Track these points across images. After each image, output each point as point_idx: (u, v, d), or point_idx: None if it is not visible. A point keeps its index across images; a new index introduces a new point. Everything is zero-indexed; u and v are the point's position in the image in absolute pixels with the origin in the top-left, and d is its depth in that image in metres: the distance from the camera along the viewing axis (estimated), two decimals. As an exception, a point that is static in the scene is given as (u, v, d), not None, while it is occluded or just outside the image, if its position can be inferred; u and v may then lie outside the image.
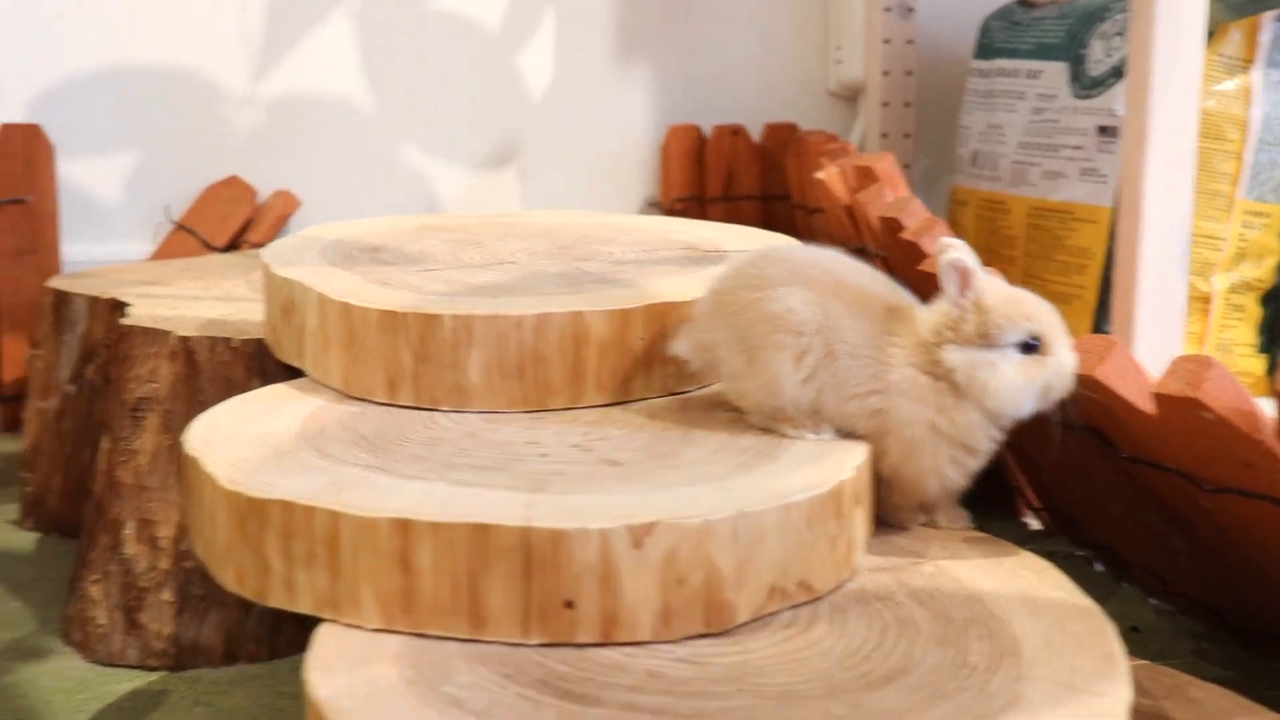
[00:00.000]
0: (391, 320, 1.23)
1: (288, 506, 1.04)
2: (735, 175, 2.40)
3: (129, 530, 1.44)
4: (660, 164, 2.41)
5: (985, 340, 1.18)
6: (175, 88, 2.26)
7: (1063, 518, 1.66)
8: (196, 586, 1.42)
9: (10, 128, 2.16)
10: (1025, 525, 1.74)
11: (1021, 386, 1.18)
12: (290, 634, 1.46)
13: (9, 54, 2.18)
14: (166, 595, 1.42)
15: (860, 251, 1.87)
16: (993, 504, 1.79)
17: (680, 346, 1.25)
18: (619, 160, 2.42)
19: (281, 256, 1.41)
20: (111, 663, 1.43)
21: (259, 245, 2.29)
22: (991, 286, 1.20)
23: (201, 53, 2.26)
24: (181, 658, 1.43)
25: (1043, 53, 2.03)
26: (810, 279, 1.19)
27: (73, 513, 1.76)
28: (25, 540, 1.78)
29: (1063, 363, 1.18)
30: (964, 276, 1.17)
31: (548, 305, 1.24)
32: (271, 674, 1.42)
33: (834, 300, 1.18)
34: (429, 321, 1.22)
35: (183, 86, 2.26)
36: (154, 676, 1.40)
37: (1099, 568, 1.60)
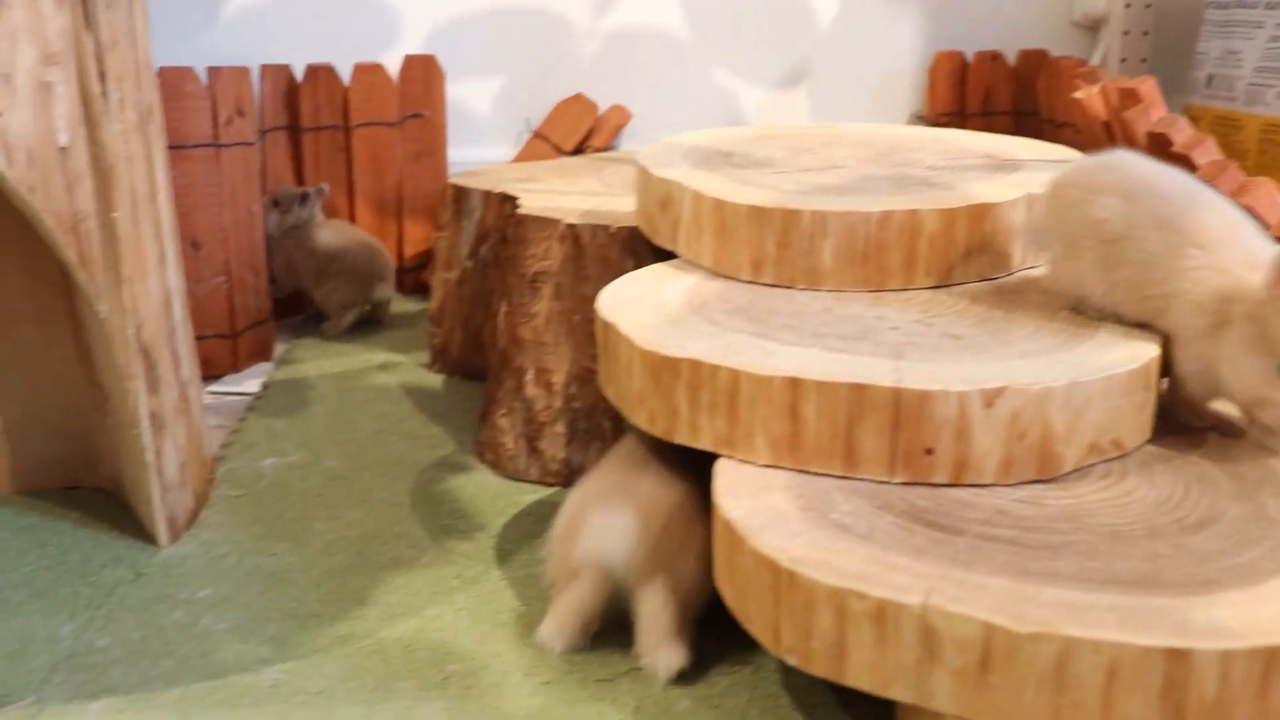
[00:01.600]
0: (759, 214, 1.20)
1: (695, 364, 1.03)
2: (992, 94, 2.29)
3: (529, 376, 1.47)
4: (928, 84, 2.31)
5: (1270, 352, 0.97)
6: (534, 23, 2.25)
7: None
8: (581, 422, 1.44)
9: (412, 58, 2.19)
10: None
11: (1265, 402, 0.99)
12: (654, 462, 1.47)
13: (412, 1, 2.20)
14: (559, 428, 1.45)
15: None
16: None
17: (1022, 227, 1.18)
18: (892, 80, 2.34)
19: (654, 160, 1.39)
20: (517, 478, 1.47)
21: (600, 150, 2.28)
22: None
23: (555, -6, 2.25)
24: (571, 477, 1.45)
25: (1281, -14, 1.86)
26: (1130, 191, 1.10)
27: (469, 360, 1.81)
28: (434, 380, 1.83)
29: None
30: None
31: (888, 204, 1.19)
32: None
33: (1144, 212, 1.09)
34: (790, 215, 1.19)
35: (540, 22, 2.26)
36: (551, 490, 1.44)
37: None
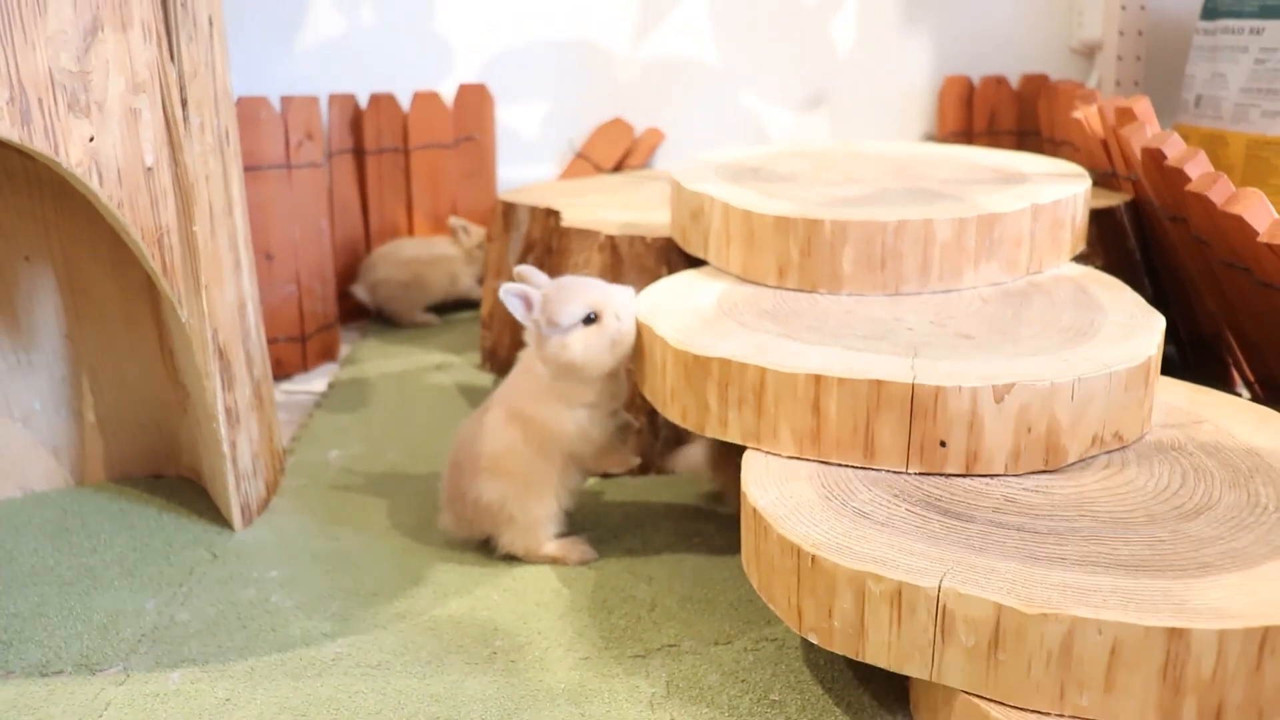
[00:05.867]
0: (784, 224, 1.18)
1: (725, 363, 1.01)
2: (997, 115, 2.25)
3: (572, 375, 1.45)
4: (938, 106, 2.28)
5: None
6: (577, 54, 2.24)
7: (1275, 389, 1.51)
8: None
9: (466, 87, 2.19)
10: (1239, 396, 1.60)
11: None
12: (686, 454, 1.45)
13: (464, 34, 2.19)
14: (599, 423, 1.43)
15: (1111, 177, 1.73)
16: (1209, 376, 1.66)
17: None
18: (905, 103, 2.31)
19: (687, 175, 1.38)
20: (561, 469, 1.45)
21: (637, 168, 2.27)
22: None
23: (596, 27, 2.23)
24: (610, 468, 1.44)
25: (1266, 13, 1.82)
26: None
27: (515, 361, 1.80)
28: (485, 379, 1.82)
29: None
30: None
31: (905, 214, 1.17)
32: (673, 482, 1.42)
33: None
34: (813, 225, 1.17)
35: (582, 52, 2.24)
36: (591, 481, 1.42)
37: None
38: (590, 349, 1.11)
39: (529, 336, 1.16)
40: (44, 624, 1.11)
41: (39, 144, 1.02)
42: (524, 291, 1.12)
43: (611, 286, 1.14)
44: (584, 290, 1.12)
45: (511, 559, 1.22)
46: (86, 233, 1.36)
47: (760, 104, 2.29)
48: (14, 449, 1.39)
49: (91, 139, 1.06)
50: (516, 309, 1.13)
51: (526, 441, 1.16)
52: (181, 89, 1.17)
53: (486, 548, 1.24)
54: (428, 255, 2.10)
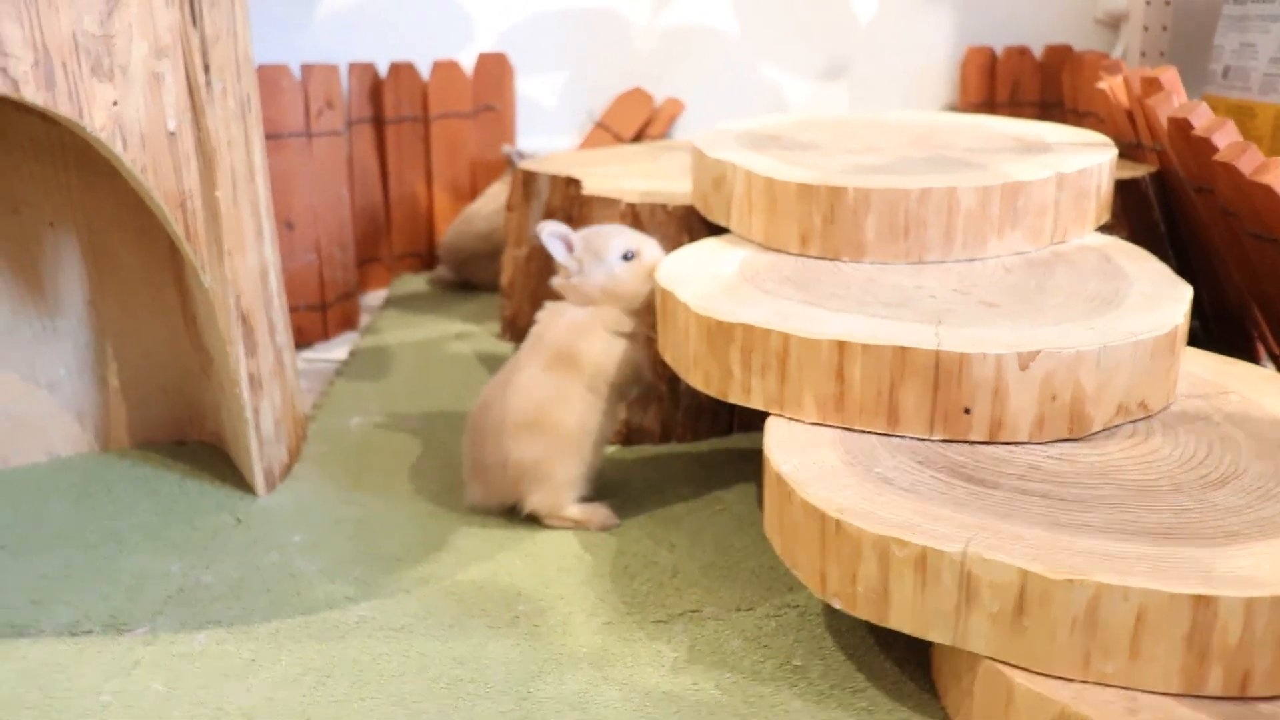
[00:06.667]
0: (806, 191, 1.17)
1: (749, 329, 1.01)
2: (1020, 86, 2.23)
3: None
4: (960, 77, 2.26)
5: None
6: (597, 23, 2.23)
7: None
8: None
9: (485, 56, 2.18)
10: (1263, 367, 1.58)
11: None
12: (706, 424, 1.45)
13: (484, 3, 2.18)
14: (619, 391, 1.43)
15: (1135, 148, 1.71)
16: (1234, 350, 1.64)
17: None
18: (926, 74, 2.29)
19: (709, 143, 1.37)
20: (581, 437, 1.45)
21: (656, 138, 2.26)
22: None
23: (615, -5, 2.23)
24: (631, 437, 1.44)
25: (1297, -18, 1.80)
26: None
27: (537, 330, 1.80)
28: (505, 348, 1.82)
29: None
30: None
31: (928, 182, 1.16)
32: (693, 450, 1.42)
33: None
34: (836, 192, 1.16)
35: (602, 22, 2.23)
36: (611, 448, 1.42)
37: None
38: (635, 277, 1.23)
39: (566, 275, 1.25)
40: (72, 585, 1.12)
41: (63, 108, 1.02)
42: (564, 233, 1.24)
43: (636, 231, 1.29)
44: (622, 231, 1.27)
45: (533, 524, 1.22)
46: (110, 200, 1.36)
47: (780, 74, 2.28)
48: (40, 415, 1.40)
49: (115, 103, 1.06)
50: (558, 250, 1.24)
51: (574, 382, 1.20)
52: (204, 53, 1.16)
53: (508, 514, 1.24)
54: (499, 216, 2.05)
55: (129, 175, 1.10)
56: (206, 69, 1.17)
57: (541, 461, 1.19)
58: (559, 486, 1.20)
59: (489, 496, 1.23)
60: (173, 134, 1.13)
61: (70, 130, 1.29)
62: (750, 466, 1.36)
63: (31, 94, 0.98)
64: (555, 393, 1.19)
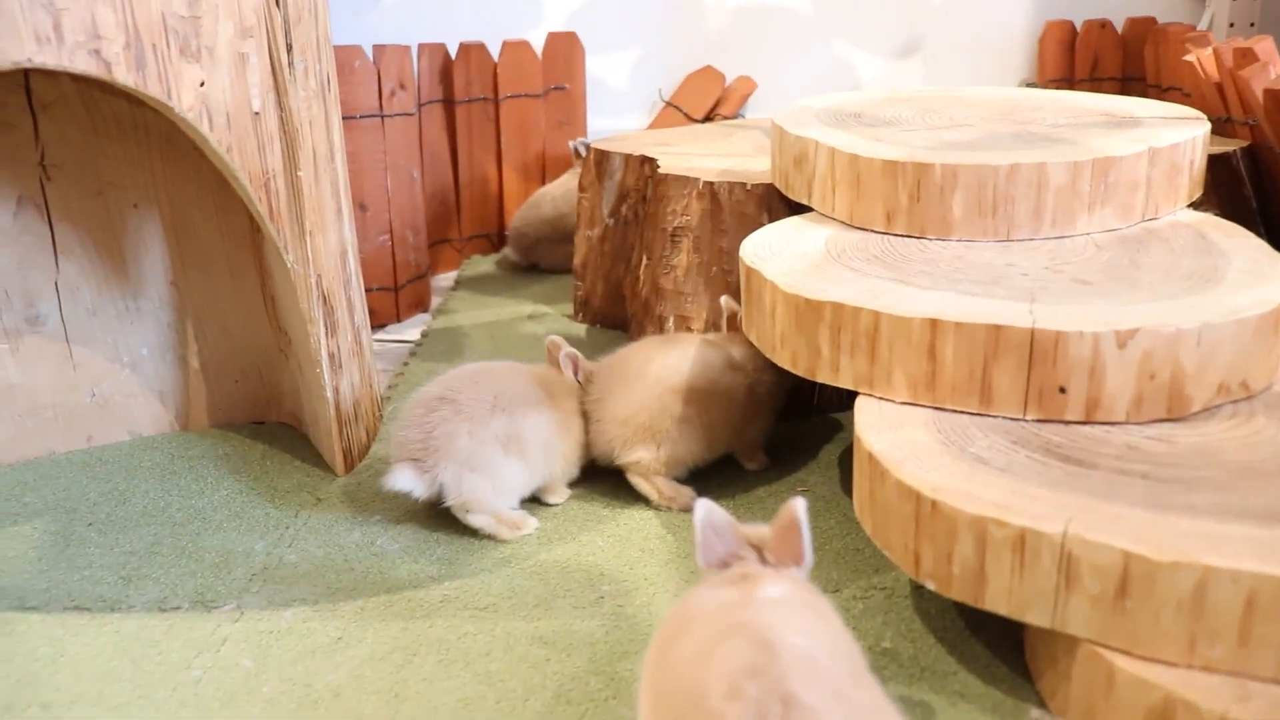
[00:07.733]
0: (892, 168, 1.16)
1: (838, 307, 1.00)
2: (1100, 61, 2.18)
3: (670, 324, 1.45)
4: (1038, 52, 2.22)
5: None
6: (667, 1, 2.22)
7: None
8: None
9: (555, 35, 2.18)
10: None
11: None
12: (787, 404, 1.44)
13: (553, -22, 2.19)
14: (696, 372, 1.43)
15: (1225, 123, 1.67)
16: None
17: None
18: (1002, 49, 2.25)
19: (790, 120, 1.36)
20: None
21: (728, 118, 2.25)
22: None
23: (685, -27, 2.21)
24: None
25: (1396, -52, 1.74)
26: None
27: (610, 310, 1.80)
28: (578, 329, 1.82)
29: None
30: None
31: (1016, 158, 1.14)
32: (775, 433, 1.40)
33: None
34: (923, 169, 1.14)
35: (671, 1, 2.22)
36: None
37: None
38: None
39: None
40: (159, 562, 1.14)
41: (153, 89, 1.03)
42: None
43: None
44: None
45: (615, 505, 1.22)
46: (192, 181, 1.38)
47: (853, 51, 2.25)
48: (123, 394, 1.43)
49: (202, 84, 1.08)
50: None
51: (739, 379, 1.23)
52: (286, 34, 1.18)
53: (588, 495, 1.25)
54: (565, 201, 2.06)
55: (214, 155, 1.11)
56: (289, 49, 1.18)
57: (677, 424, 1.20)
58: (668, 458, 1.20)
59: (595, 444, 1.24)
60: (257, 114, 1.14)
61: (155, 112, 1.31)
62: (833, 447, 1.35)
63: (123, 76, 1.00)
64: (719, 376, 1.22)
